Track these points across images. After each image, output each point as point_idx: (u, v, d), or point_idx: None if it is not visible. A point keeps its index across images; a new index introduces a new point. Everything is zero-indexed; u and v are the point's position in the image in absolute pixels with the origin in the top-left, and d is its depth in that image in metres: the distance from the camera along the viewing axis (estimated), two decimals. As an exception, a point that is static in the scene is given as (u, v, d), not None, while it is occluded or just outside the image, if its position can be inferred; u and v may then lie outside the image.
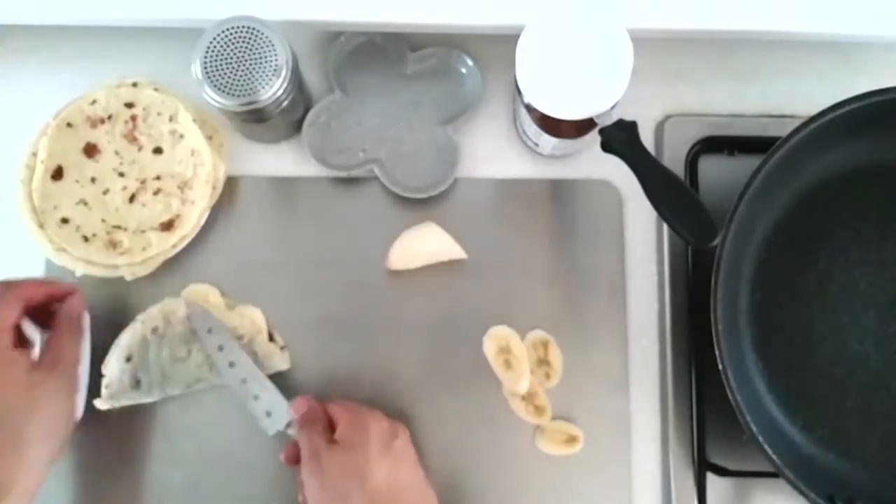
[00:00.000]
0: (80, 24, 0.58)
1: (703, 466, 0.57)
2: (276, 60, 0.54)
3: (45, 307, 0.55)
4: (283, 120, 0.59)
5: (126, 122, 0.59)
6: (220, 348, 0.57)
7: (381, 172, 0.60)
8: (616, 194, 0.62)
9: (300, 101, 0.59)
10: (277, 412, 0.56)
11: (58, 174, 0.58)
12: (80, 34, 0.61)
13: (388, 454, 0.51)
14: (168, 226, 0.58)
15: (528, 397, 0.58)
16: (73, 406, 0.54)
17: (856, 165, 0.57)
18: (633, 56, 0.51)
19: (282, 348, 0.59)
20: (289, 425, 0.55)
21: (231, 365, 0.57)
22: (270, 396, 0.56)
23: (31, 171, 0.58)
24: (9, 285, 0.53)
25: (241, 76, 0.54)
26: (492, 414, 0.59)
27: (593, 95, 0.51)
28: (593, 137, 0.54)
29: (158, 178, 0.59)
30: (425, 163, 0.61)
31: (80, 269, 0.58)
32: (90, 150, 0.59)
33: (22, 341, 0.53)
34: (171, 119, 0.59)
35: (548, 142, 0.58)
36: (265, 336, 0.59)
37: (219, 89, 0.53)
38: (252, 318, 0.59)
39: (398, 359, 0.59)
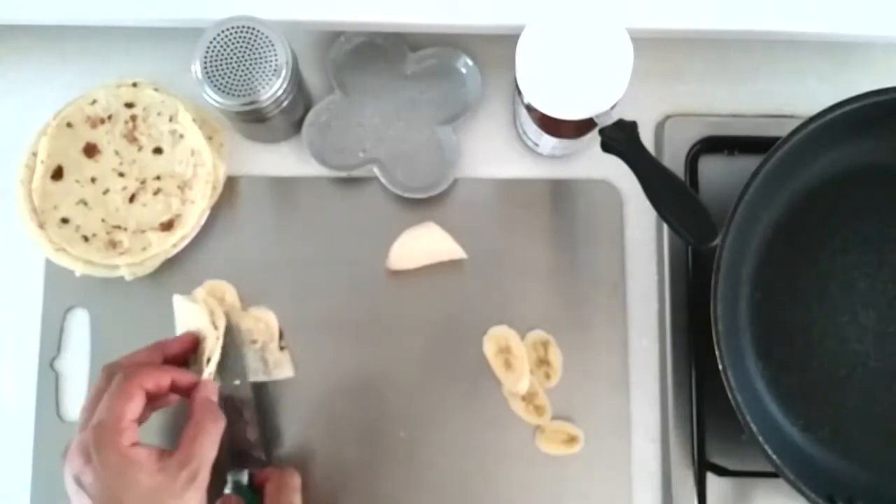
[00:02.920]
0: (80, 24, 0.58)
1: (703, 466, 0.57)
2: (276, 60, 0.54)
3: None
4: (283, 120, 0.59)
5: (126, 122, 0.59)
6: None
7: (381, 172, 0.60)
8: (616, 194, 0.62)
9: (300, 101, 0.59)
10: None
11: (58, 174, 0.58)
12: (80, 34, 0.61)
13: None
14: (168, 226, 0.58)
15: (528, 397, 0.58)
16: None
17: (856, 165, 0.57)
18: (633, 56, 0.51)
19: (282, 349, 0.59)
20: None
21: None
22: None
23: (31, 171, 0.58)
24: (132, 370, 0.49)
25: (240, 76, 0.54)
26: (492, 414, 0.59)
27: (593, 95, 0.51)
28: (593, 137, 0.54)
29: (158, 178, 0.59)
30: (425, 163, 0.61)
31: (79, 269, 0.58)
32: (90, 150, 0.59)
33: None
34: (171, 119, 0.59)
35: (548, 142, 0.58)
36: (277, 343, 0.59)
37: (219, 89, 0.53)
38: (267, 323, 0.59)
39: (397, 359, 0.59)
